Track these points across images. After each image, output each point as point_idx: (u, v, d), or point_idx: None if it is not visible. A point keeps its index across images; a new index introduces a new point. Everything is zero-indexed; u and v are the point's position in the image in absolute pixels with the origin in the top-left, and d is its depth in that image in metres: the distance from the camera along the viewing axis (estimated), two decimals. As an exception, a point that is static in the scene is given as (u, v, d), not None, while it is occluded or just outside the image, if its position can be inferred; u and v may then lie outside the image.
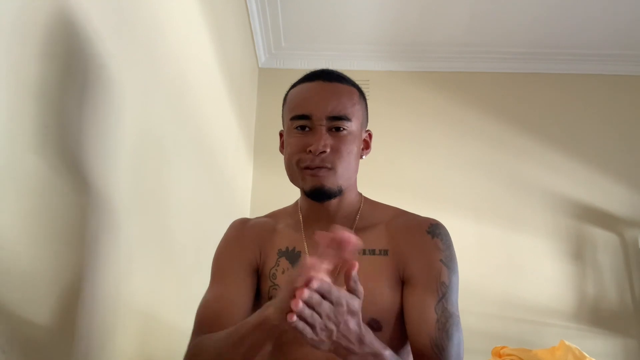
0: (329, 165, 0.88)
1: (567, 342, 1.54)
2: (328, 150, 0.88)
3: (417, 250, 0.89)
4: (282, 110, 0.98)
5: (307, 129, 0.90)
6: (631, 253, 2.65)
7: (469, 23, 2.73)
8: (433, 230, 0.91)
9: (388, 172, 2.62)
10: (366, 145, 0.99)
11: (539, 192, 2.76)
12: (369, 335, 0.72)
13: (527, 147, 2.83)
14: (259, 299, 0.93)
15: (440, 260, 0.88)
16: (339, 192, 0.90)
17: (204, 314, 0.88)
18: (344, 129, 0.90)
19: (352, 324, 0.68)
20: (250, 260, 0.94)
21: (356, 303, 0.68)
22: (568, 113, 2.91)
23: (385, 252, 0.90)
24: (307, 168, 0.89)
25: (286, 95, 0.98)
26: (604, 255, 2.66)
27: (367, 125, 1.00)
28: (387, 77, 2.93)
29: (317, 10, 2.67)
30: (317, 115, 0.89)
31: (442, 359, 0.81)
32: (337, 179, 0.88)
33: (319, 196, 0.90)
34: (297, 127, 0.91)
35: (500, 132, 2.86)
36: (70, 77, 0.86)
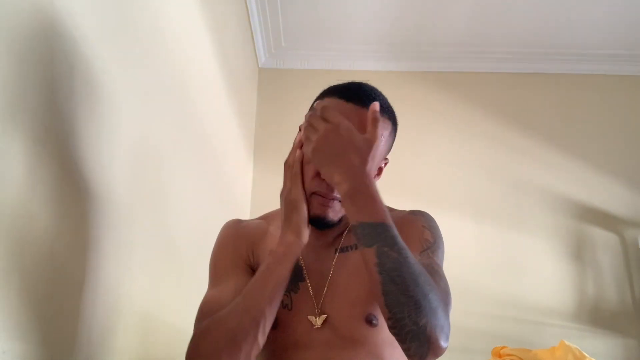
0: (340, 198, 0.84)
1: (567, 342, 1.54)
2: None
3: (401, 229, 0.87)
4: (309, 111, 0.92)
5: None
6: (631, 253, 2.65)
7: (469, 23, 2.73)
8: (415, 213, 0.95)
9: (388, 172, 2.61)
10: (379, 172, 0.96)
11: (539, 192, 2.76)
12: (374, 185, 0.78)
13: (527, 147, 2.83)
14: None
15: (422, 225, 0.90)
16: (338, 223, 0.89)
17: (206, 310, 0.87)
18: None
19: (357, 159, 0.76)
20: (245, 258, 0.94)
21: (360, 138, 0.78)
22: (568, 113, 2.91)
23: None
24: (318, 194, 0.85)
25: (318, 98, 0.93)
26: (604, 255, 2.66)
27: (388, 152, 0.96)
28: (387, 77, 2.92)
29: (317, 10, 2.67)
30: None
31: None
32: (341, 212, 0.87)
33: (319, 225, 0.87)
34: None
35: (500, 132, 2.86)
36: (69, 77, 0.86)
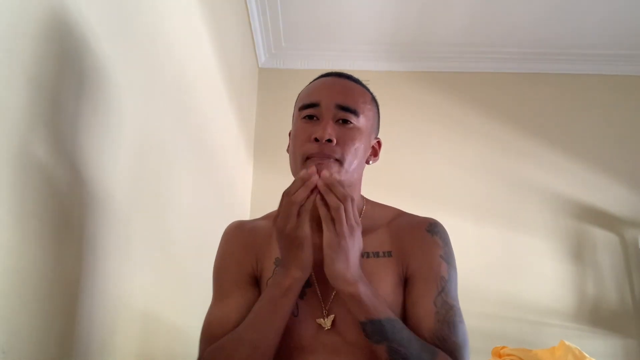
0: (337, 156, 0.85)
1: (567, 342, 1.54)
2: (334, 140, 0.84)
3: (417, 249, 0.89)
4: (294, 110, 0.95)
5: (314, 118, 0.88)
6: (631, 253, 2.65)
7: (469, 23, 2.73)
8: (432, 229, 0.92)
9: (388, 172, 2.62)
10: (374, 153, 0.96)
11: (539, 192, 2.76)
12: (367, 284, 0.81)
13: (527, 147, 2.83)
14: None
15: (440, 255, 0.89)
16: None
17: (211, 332, 0.86)
18: (351, 122, 0.87)
19: (357, 248, 0.78)
20: (249, 271, 0.92)
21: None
22: (568, 113, 2.91)
23: (389, 254, 0.89)
24: (311, 157, 0.84)
25: (299, 95, 0.97)
26: (604, 255, 2.66)
27: (377, 132, 0.97)
28: (387, 77, 2.92)
29: (317, 10, 2.67)
30: (325, 103, 0.87)
31: (445, 349, 0.80)
32: (340, 173, 0.84)
33: None
34: (304, 117, 0.89)
35: (500, 132, 2.86)
36: (69, 78, 0.86)
